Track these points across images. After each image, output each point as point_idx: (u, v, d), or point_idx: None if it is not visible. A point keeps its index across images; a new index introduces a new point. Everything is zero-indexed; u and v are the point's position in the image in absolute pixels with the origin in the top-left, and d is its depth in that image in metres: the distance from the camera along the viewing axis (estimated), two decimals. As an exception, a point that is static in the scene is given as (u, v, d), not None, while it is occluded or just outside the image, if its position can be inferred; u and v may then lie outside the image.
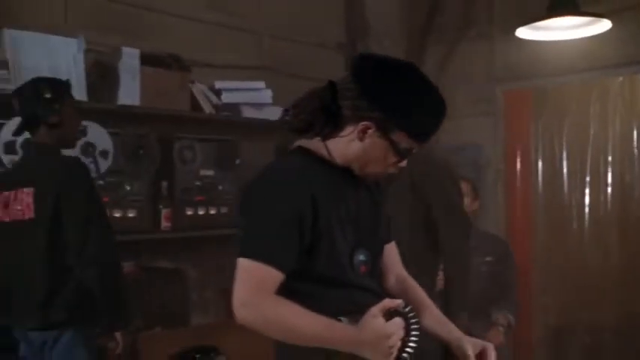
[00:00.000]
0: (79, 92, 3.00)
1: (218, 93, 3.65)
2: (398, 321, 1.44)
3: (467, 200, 3.52)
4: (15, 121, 2.74)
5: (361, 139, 1.60)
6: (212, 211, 3.60)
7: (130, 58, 3.21)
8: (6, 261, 2.43)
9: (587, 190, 4.07)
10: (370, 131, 1.58)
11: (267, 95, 3.76)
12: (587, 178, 4.07)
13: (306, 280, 1.59)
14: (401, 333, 1.44)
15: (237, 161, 3.68)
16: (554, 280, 4.21)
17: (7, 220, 2.41)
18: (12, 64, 2.82)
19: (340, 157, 1.65)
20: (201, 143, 3.54)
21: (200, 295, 3.79)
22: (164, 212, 3.39)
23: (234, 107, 3.68)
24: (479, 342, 1.65)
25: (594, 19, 2.41)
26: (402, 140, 1.59)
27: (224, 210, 3.64)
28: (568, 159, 4.13)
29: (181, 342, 3.18)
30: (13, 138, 2.69)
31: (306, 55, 4.29)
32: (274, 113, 3.81)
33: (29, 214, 2.36)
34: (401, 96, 1.58)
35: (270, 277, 1.52)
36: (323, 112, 1.63)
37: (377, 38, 4.54)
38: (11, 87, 2.81)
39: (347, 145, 1.62)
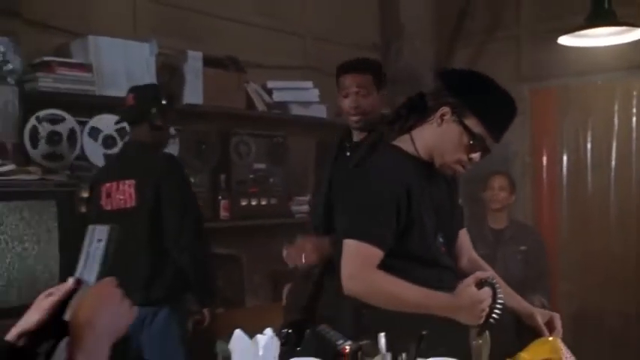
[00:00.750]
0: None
1: (270, 92, 3.92)
2: (487, 289, 1.70)
3: (504, 194, 3.78)
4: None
5: (439, 125, 1.87)
6: (263, 202, 3.89)
7: (194, 61, 3.49)
8: None
9: (611, 181, 4.32)
10: (447, 116, 1.86)
11: (314, 94, 4.03)
12: (612, 168, 4.31)
13: (401, 257, 1.86)
14: (489, 300, 1.71)
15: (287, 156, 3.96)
16: (578, 268, 4.45)
17: (109, 208, 2.69)
18: (95, 67, 3.08)
19: (423, 147, 1.92)
20: (254, 139, 3.81)
21: (250, 279, 4.06)
22: (223, 203, 3.67)
23: (284, 105, 3.95)
24: (546, 312, 1.92)
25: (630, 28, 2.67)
26: (475, 126, 1.84)
27: (274, 201, 3.93)
28: (592, 152, 4.39)
29: (244, 321, 3.44)
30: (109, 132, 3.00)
31: (344, 55, 4.52)
32: (320, 111, 4.10)
33: (131, 203, 2.63)
34: (476, 87, 1.89)
35: (373, 254, 1.80)
36: (410, 104, 1.96)
37: (410, 39, 4.82)
38: (94, 89, 3.09)
39: (428, 132, 1.90)
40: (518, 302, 1.96)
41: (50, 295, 1.15)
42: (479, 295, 1.68)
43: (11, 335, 1.15)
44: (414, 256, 1.89)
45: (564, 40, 2.82)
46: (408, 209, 1.84)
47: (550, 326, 1.88)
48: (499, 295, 1.71)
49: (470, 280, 1.70)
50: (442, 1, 4.82)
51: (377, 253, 1.80)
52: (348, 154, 2.54)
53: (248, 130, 3.81)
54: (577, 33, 2.77)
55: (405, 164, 1.91)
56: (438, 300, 1.75)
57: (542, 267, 3.74)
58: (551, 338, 1.70)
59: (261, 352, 1.61)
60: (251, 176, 3.82)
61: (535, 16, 4.60)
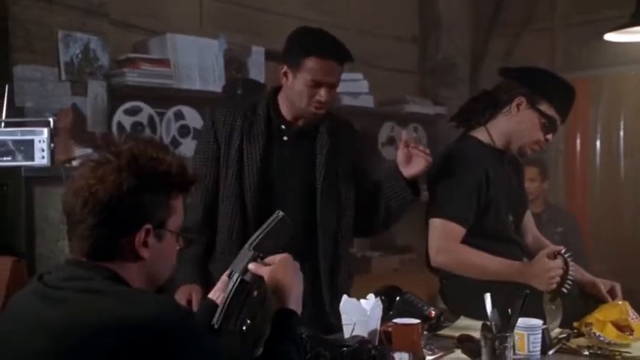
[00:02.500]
0: (220, 86, 3.53)
1: (322, 84, 4.15)
2: (559, 261, 1.97)
3: (535, 185, 3.99)
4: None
5: (516, 113, 2.16)
6: (316, 187, 4.13)
7: (257, 55, 3.75)
8: None
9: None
10: (522, 105, 2.16)
11: (364, 85, 4.28)
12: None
13: (478, 234, 2.13)
14: (561, 271, 1.96)
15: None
16: (608, 253, 4.67)
17: None
18: (173, 62, 3.34)
19: (499, 136, 2.19)
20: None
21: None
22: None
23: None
24: (607, 281, 2.18)
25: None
26: (548, 110, 2.14)
27: (325, 186, 4.18)
28: (625, 141, 4.62)
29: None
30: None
31: (386, 47, 4.81)
32: (368, 101, 4.36)
33: None
34: (542, 78, 2.21)
35: (458, 231, 2.07)
36: (480, 102, 2.25)
37: (447, 31, 5.06)
38: (173, 82, 3.35)
39: (504, 122, 2.19)
40: (581, 274, 2.22)
41: None
42: (548, 264, 1.96)
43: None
44: (490, 232, 2.16)
45: (610, 36, 3.05)
46: (487, 191, 2.11)
47: (612, 294, 2.14)
48: (570, 267, 1.97)
49: (544, 252, 1.98)
50: (478, -7, 5.06)
51: (460, 230, 2.07)
52: (286, 138, 2.21)
53: (303, 119, 4.06)
54: (622, 30, 3.00)
55: (483, 152, 2.18)
56: (515, 268, 2.03)
57: (580, 248, 3.98)
58: (620, 302, 1.95)
59: (368, 314, 1.88)
60: (306, 163, 4.06)
61: (569, 8, 4.83)
